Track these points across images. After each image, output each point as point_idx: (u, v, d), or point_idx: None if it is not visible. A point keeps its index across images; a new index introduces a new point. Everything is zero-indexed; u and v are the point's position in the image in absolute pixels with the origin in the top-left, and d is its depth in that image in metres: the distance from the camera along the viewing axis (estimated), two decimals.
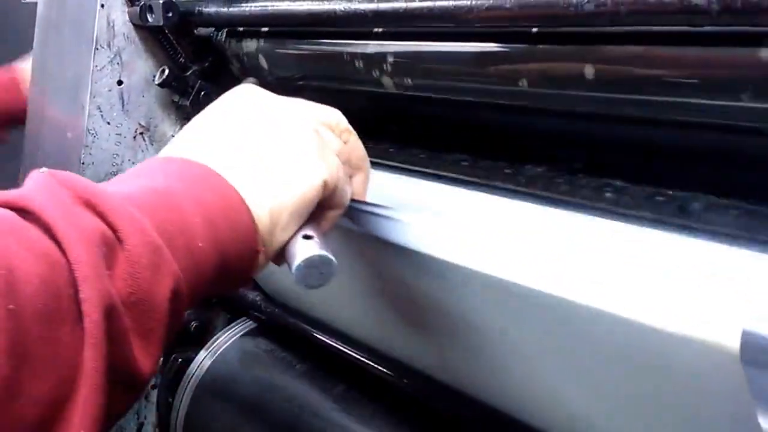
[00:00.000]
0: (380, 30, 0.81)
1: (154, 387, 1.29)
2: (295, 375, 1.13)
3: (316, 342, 1.07)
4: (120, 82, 1.11)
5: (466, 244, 0.68)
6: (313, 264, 0.65)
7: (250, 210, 0.63)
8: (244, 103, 0.71)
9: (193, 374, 1.21)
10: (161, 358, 0.58)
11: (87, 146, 1.12)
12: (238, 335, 1.24)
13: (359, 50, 0.84)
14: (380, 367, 0.96)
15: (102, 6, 1.09)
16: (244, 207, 0.63)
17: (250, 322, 1.25)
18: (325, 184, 0.67)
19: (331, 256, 0.66)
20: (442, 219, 0.72)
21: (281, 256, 0.68)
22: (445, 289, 0.74)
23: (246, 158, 0.66)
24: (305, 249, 0.66)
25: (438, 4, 0.68)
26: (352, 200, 0.74)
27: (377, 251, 0.80)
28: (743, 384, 0.50)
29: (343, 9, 0.77)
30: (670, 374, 0.57)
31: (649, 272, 0.56)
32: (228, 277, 0.63)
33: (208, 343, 1.23)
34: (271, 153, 0.67)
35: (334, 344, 1.04)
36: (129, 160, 1.16)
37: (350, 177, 0.74)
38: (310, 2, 0.82)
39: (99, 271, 0.50)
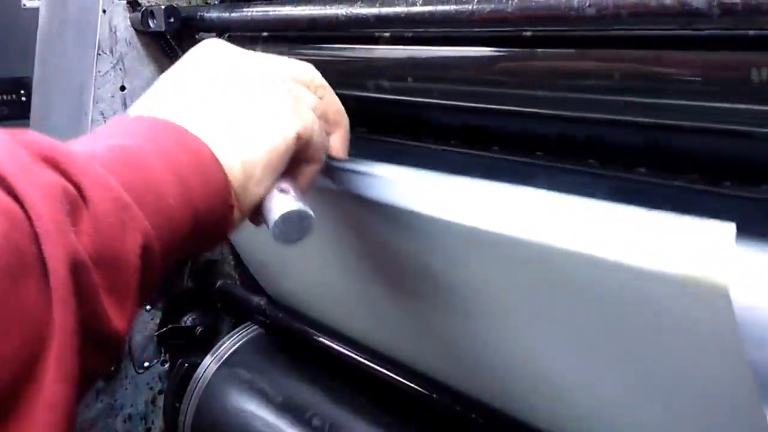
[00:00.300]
0: (382, 35, 0.81)
1: (161, 392, 1.30)
2: (300, 378, 1.13)
3: (321, 345, 1.08)
4: (123, 88, 1.11)
5: (449, 199, 0.67)
6: (290, 219, 0.64)
7: (222, 165, 0.62)
8: (212, 58, 0.70)
9: (200, 379, 1.22)
10: (135, 317, 0.56)
11: None
12: (243, 339, 1.24)
13: (361, 55, 0.84)
14: (386, 370, 0.97)
15: (104, 12, 1.09)
16: (216, 162, 0.62)
17: (255, 326, 1.26)
18: (298, 137, 0.66)
19: (308, 210, 0.65)
20: (423, 174, 0.71)
21: (257, 212, 0.67)
22: (427, 244, 0.73)
23: (215, 113, 0.65)
24: (282, 203, 0.65)
25: (439, 8, 0.68)
26: (332, 158, 0.74)
27: (359, 210, 0.79)
28: (732, 321, 0.50)
29: (345, 14, 0.77)
30: (660, 317, 0.57)
31: (634, 215, 0.55)
32: (203, 235, 0.62)
33: (214, 348, 1.24)
34: (241, 107, 0.66)
35: (339, 347, 1.04)
36: None
37: (329, 134, 0.74)
38: (311, 7, 0.82)
39: (62, 227, 0.49)
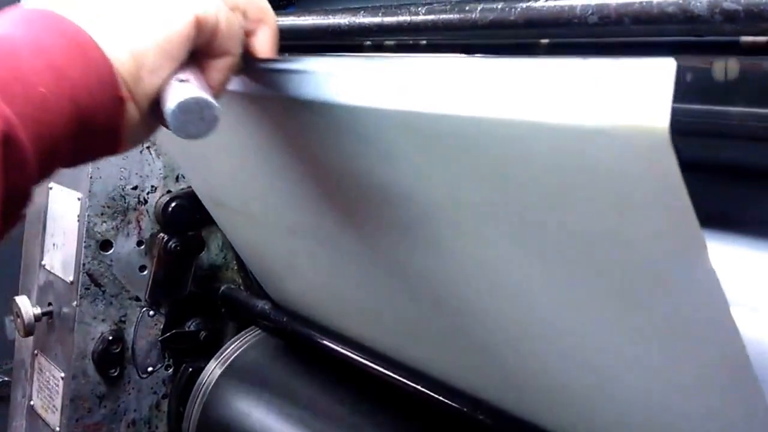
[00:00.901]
0: (385, 43, 0.82)
1: (165, 397, 1.30)
2: (304, 382, 1.14)
3: (324, 349, 1.08)
4: None
5: (398, 87, 0.60)
6: (188, 108, 0.59)
7: (106, 54, 0.58)
8: None
9: (204, 384, 1.22)
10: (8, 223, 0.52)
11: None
12: (247, 344, 1.24)
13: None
14: (390, 373, 0.97)
15: None
16: (97, 50, 0.57)
17: (259, 330, 1.26)
18: (198, 23, 0.61)
19: (210, 99, 0.60)
20: (368, 62, 0.64)
21: (159, 108, 0.61)
22: (366, 140, 0.66)
23: (103, 2, 0.60)
24: (179, 92, 0.60)
25: (442, 17, 0.68)
26: (259, 59, 0.69)
27: (300, 113, 0.71)
28: (676, 173, 0.44)
29: (347, 23, 0.78)
30: (597, 179, 0.50)
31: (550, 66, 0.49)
32: (92, 130, 0.58)
33: (218, 353, 1.24)
34: None
35: (343, 351, 1.05)
36: (136, 173, 1.17)
37: (250, 32, 0.69)
38: (314, 17, 0.82)
39: None
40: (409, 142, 0.63)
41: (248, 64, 0.69)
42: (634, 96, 0.43)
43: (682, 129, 0.65)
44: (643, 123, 0.43)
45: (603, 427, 0.72)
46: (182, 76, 0.61)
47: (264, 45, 0.69)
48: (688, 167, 0.44)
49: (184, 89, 0.60)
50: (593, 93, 0.46)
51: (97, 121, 0.57)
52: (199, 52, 0.64)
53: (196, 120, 0.59)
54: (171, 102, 0.59)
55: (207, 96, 0.60)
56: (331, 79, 0.64)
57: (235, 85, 0.72)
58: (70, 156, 0.58)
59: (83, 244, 1.16)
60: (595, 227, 0.54)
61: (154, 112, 0.62)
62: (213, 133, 0.61)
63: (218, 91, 0.65)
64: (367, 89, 0.62)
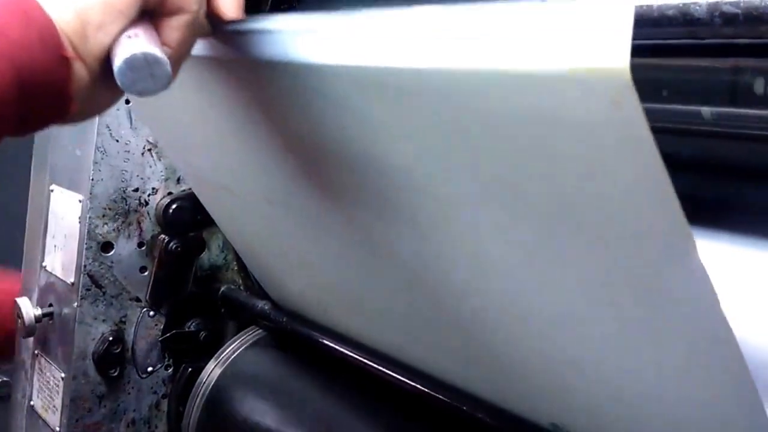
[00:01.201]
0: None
1: (164, 397, 1.31)
2: (304, 382, 1.14)
3: (325, 350, 1.08)
4: (127, 101, 1.12)
5: (380, 44, 0.57)
6: (136, 63, 0.57)
7: (48, 12, 0.56)
8: None
9: (204, 384, 1.22)
10: None
11: (96, 163, 1.13)
12: (247, 344, 1.25)
13: None
14: (392, 373, 0.98)
15: None
16: (39, 9, 0.56)
17: (260, 330, 1.27)
18: None
19: (160, 54, 0.58)
20: (329, 19, 0.60)
21: (109, 68, 0.59)
22: (337, 100, 0.63)
23: None
24: (126, 47, 0.57)
25: None
26: (225, 21, 0.66)
27: (266, 75, 0.68)
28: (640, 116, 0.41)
29: None
30: (561, 130, 0.47)
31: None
32: (37, 93, 0.56)
33: (218, 353, 1.25)
34: None
35: (344, 351, 1.05)
36: (137, 175, 1.17)
37: None
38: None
39: None
40: (374, 99, 0.60)
41: (215, 27, 0.67)
42: (593, 37, 0.41)
43: (682, 129, 0.67)
44: (604, 65, 0.40)
45: (602, 425, 0.73)
46: (132, 32, 0.59)
47: (228, 4, 0.66)
48: (689, 167, 0.45)
49: (132, 44, 0.58)
50: (551, 36, 0.43)
51: (42, 82, 0.56)
52: (153, 10, 0.62)
53: (145, 77, 0.58)
54: (118, 58, 0.57)
55: (156, 51, 0.58)
56: (300, 37, 0.62)
57: (202, 49, 0.70)
58: (15, 122, 0.57)
59: (84, 246, 1.17)
60: (565, 183, 0.51)
61: (106, 72, 0.59)
62: (179, 95, 0.58)
63: (177, 52, 0.63)
64: (337, 46, 0.59)
